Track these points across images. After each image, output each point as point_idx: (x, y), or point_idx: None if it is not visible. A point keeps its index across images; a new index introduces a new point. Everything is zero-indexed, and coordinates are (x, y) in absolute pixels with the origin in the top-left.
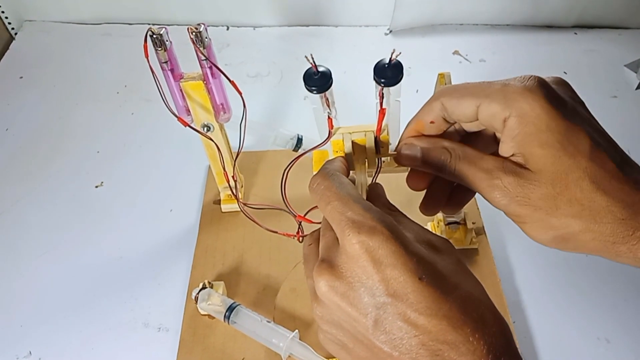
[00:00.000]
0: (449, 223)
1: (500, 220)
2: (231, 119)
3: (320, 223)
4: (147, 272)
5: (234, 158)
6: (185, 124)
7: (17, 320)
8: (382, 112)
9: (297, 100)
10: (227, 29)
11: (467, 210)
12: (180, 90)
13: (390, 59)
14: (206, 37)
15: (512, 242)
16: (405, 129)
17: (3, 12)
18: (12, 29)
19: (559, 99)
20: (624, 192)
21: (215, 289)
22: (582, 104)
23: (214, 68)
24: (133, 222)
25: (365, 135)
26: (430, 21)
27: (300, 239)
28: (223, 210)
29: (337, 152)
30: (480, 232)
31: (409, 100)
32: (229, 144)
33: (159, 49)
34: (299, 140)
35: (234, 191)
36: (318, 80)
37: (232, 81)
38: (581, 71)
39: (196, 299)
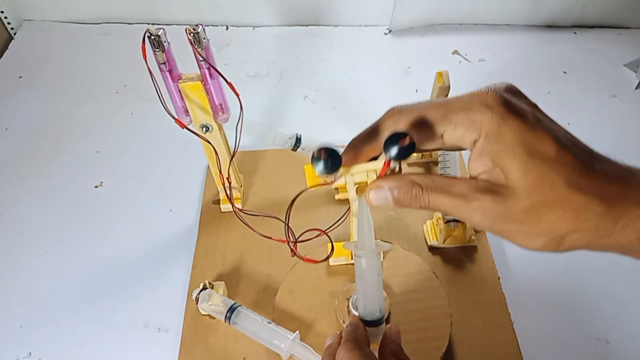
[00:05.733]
0: (448, 221)
1: None
2: (230, 119)
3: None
4: (147, 272)
5: (231, 157)
6: (183, 126)
7: (17, 321)
8: (387, 164)
9: (296, 100)
10: (227, 28)
11: None
12: (179, 91)
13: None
14: (204, 38)
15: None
16: (351, 148)
17: (2, 11)
18: (12, 28)
19: (519, 110)
20: (598, 187)
21: (215, 289)
22: (537, 106)
23: (212, 68)
24: (133, 222)
25: (367, 175)
26: (429, 21)
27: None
28: (222, 210)
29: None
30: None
31: (409, 100)
32: (227, 144)
33: (157, 50)
34: (298, 140)
35: (228, 192)
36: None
37: (229, 82)
38: (581, 71)
39: (197, 299)
